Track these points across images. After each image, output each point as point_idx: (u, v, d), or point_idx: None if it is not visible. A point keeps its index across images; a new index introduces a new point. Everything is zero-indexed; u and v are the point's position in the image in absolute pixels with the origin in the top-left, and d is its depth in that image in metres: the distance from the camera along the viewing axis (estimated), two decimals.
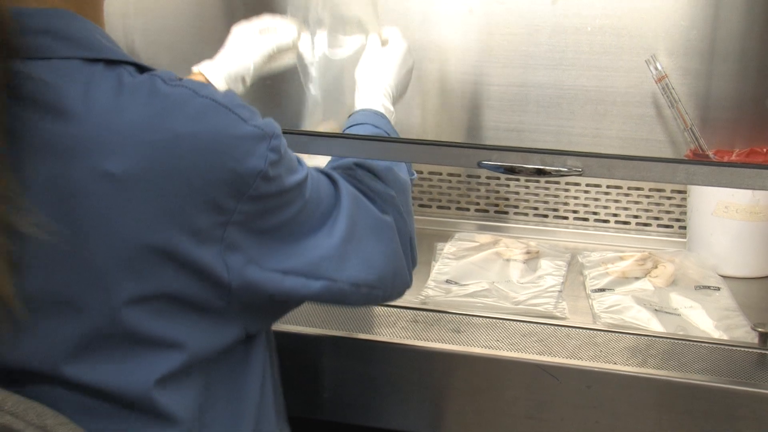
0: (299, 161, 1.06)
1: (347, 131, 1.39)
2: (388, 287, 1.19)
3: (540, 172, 1.28)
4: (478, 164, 1.31)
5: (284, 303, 1.11)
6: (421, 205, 1.97)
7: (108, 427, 0.97)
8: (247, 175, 0.95)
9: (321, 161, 1.40)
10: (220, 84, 1.59)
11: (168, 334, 0.97)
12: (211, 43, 1.79)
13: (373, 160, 1.27)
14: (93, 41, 0.96)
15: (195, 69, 1.60)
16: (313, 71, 1.70)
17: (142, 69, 0.97)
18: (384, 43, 1.61)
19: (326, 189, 1.12)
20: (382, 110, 1.47)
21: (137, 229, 0.91)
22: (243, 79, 1.62)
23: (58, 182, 0.91)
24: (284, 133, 1.01)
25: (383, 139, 1.37)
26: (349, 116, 1.47)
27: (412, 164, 1.39)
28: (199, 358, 1.01)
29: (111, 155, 0.90)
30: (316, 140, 1.36)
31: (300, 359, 1.39)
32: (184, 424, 1.01)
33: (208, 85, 0.98)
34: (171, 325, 0.97)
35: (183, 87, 0.95)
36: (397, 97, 1.55)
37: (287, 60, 1.69)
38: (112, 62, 0.95)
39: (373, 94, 1.52)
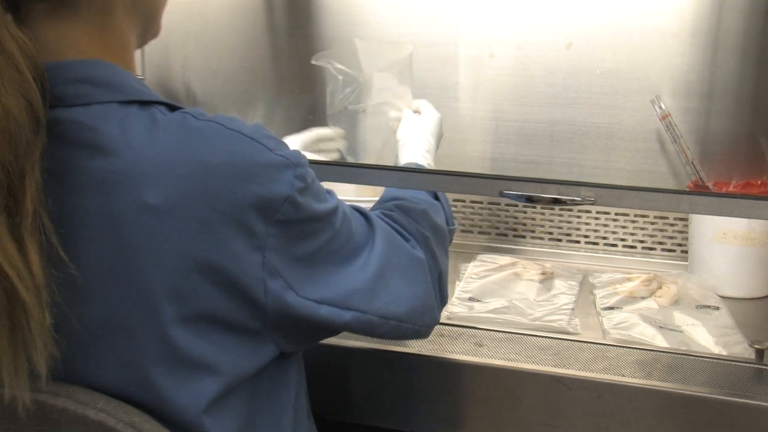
0: (329, 192, 1.05)
1: (387, 198, 1.36)
2: (417, 322, 1.15)
3: (556, 201, 1.28)
4: (500, 193, 1.30)
5: (317, 330, 1.08)
6: None
7: None
8: (274, 200, 0.95)
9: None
10: None
11: (210, 355, 0.96)
12: (259, 83, 1.81)
13: (410, 203, 1.26)
14: (126, 86, 0.97)
15: None
16: (353, 141, 1.72)
17: (173, 108, 0.98)
18: (418, 112, 1.63)
19: (359, 224, 1.11)
20: (424, 163, 1.48)
21: (178, 253, 0.92)
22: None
23: (105, 214, 0.91)
24: (328, 164, 1.01)
25: (413, 170, 1.37)
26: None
27: (453, 215, 1.39)
28: (239, 380, 1.01)
29: (149, 187, 0.91)
30: (357, 171, 1.37)
31: (336, 368, 1.39)
32: None
33: (237, 119, 0.99)
34: (212, 347, 0.97)
35: (212, 121, 0.96)
36: (433, 155, 1.56)
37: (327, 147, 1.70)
38: (145, 103, 0.96)
39: (416, 150, 1.52)
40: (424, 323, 1.17)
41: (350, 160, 1.70)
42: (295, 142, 1.66)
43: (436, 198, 1.34)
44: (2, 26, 0.87)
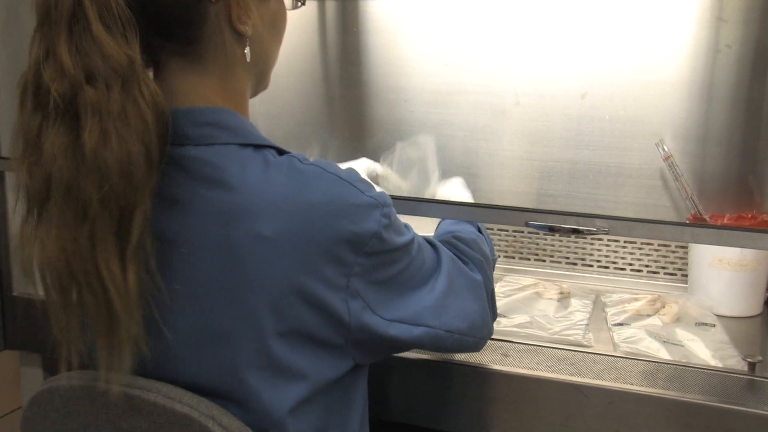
0: (406, 226, 1.06)
1: (442, 232, 1.34)
2: (477, 335, 1.15)
3: (575, 231, 1.27)
4: (526, 224, 1.29)
5: (388, 346, 1.07)
6: None
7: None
8: (364, 235, 0.96)
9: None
10: None
11: (299, 364, 0.97)
12: (315, 125, 1.82)
13: (464, 235, 1.25)
14: (245, 131, 0.99)
15: None
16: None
17: (280, 152, 0.99)
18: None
19: (429, 253, 1.10)
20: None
21: (281, 277, 0.93)
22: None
23: (222, 239, 0.93)
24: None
25: (455, 203, 1.37)
26: (441, 221, 1.43)
27: (493, 246, 1.37)
28: (320, 387, 1.01)
29: (261, 219, 0.92)
30: (410, 203, 1.37)
31: (382, 374, 1.40)
32: None
33: (333, 163, 1.00)
34: (301, 358, 0.97)
35: (314, 165, 0.97)
36: None
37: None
38: (259, 146, 0.98)
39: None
40: (482, 336, 1.17)
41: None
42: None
43: (480, 232, 1.33)
44: (139, 83, 0.89)
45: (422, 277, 1.08)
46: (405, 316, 1.04)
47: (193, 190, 0.94)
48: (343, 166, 1.62)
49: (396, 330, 1.03)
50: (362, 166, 1.66)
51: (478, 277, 1.17)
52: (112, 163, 0.86)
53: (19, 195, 0.93)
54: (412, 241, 1.05)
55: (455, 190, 1.57)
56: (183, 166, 0.95)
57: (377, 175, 1.66)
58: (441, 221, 1.38)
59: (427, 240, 1.14)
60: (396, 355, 1.36)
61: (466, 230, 1.29)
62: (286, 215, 0.93)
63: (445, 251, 1.14)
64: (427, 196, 1.63)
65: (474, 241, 1.24)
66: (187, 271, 0.95)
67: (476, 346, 1.17)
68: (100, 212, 0.87)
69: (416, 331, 1.05)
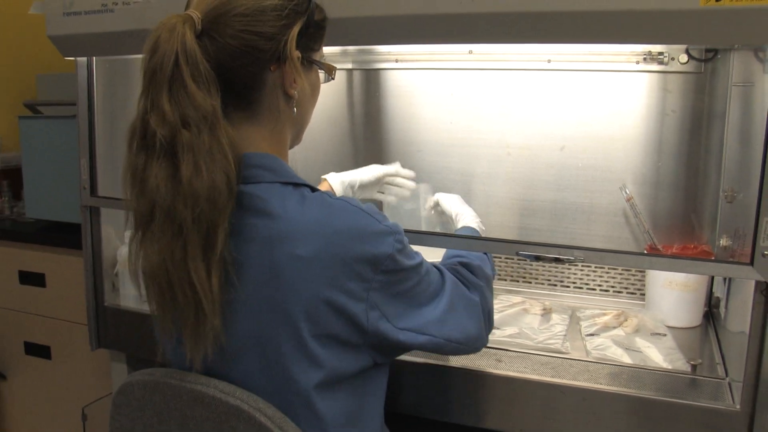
0: (416, 252, 1.08)
1: (451, 254, 1.35)
2: (471, 345, 1.16)
3: (557, 260, 1.30)
4: (517, 253, 1.33)
5: (398, 349, 1.08)
6: None
7: (285, 414, 0.99)
8: (381, 256, 0.99)
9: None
10: (337, 186, 1.58)
11: (325, 357, 0.99)
12: (343, 156, 1.86)
13: (468, 260, 1.25)
14: (286, 172, 1.03)
15: (323, 176, 1.62)
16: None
17: (313, 189, 1.04)
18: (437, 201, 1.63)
19: (435, 276, 1.12)
20: (477, 228, 1.47)
21: (314, 289, 0.96)
22: (353, 187, 1.61)
23: (267, 259, 0.96)
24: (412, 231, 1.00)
25: (461, 236, 1.39)
26: (458, 229, 1.46)
27: (494, 264, 1.38)
28: (343, 376, 1.03)
29: (299, 243, 0.96)
30: (426, 236, 1.39)
31: (396, 375, 1.41)
32: (334, 427, 1.03)
33: (356, 199, 1.03)
34: (330, 355, 1.00)
35: (341, 200, 1.01)
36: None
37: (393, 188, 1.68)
38: (297, 184, 1.03)
39: (470, 219, 1.51)
40: (476, 346, 1.19)
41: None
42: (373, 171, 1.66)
43: (484, 252, 1.34)
44: (221, 127, 0.95)
45: (429, 295, 1.09)
46: (413, 326, 1.06)
47: (245, 219, 0.98)
48: (359, 169, 1.54)
49: (405, 336, 1.05)
50: (375, 170, 1.66)
51: (476, 298, 1.18)
52: (202, 190, 0.93)
53: (128, 218, 0.98)
54: (421, 264, 1.08)
55: (454, 204, 1.58)
56: (237, 200, 0.98)
57: (386, 174, 1.67)
58: None
59: (435, 266, 1.16)
60: (407, 359, 1.42)
61: (473, 255, 1.29)
62: (318, 239, 0.96)
63: (449, 276, 1.16)
64: (424, 207, 1.65)
65: (478, 267, 1.25)
66: (241, 285, 0.98)
67: (471, 352, 1.19)
68: (192, 229, 0.93)
69: (422, 339, 1.07)
